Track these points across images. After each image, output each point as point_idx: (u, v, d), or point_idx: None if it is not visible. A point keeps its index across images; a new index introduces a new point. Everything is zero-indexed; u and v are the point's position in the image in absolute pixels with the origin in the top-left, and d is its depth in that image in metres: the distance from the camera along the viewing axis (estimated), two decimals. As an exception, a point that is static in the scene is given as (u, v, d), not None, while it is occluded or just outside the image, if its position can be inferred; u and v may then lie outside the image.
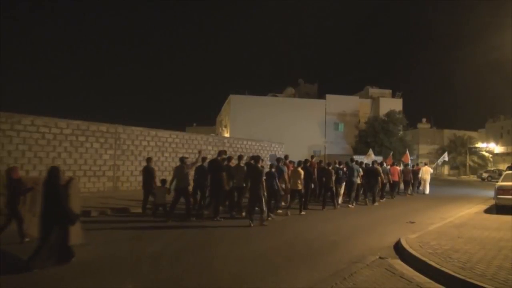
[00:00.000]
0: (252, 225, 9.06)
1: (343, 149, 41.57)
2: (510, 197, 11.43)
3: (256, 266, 5.82)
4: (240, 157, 11.09)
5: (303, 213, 11.34)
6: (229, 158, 10.97)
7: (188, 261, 6.09)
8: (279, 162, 11.36)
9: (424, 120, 65.86)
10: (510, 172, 13.87)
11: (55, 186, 5.79)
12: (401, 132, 41.85)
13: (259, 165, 9.83)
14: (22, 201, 7.03)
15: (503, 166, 41.79)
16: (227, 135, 40.04)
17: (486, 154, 55.31)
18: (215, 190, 10.15)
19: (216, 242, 7.53)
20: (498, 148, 57.47)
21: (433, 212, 12.51)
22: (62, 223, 5.68)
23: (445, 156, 26.33)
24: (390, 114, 40.93)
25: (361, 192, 14.95)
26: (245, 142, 23.06)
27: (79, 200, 6.55)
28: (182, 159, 10.64)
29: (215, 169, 10.18)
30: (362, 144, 40.33)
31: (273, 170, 10.45)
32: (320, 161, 14.29)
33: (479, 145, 56.84)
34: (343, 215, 11.62)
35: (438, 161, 26.88)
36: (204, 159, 11.16)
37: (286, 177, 11.32)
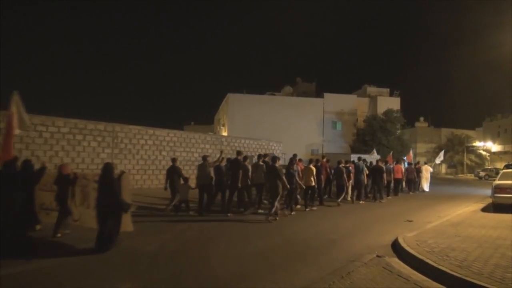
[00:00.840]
0: (269, 220, 9.65)
1: (341, 147, 41.63)
2: (507, 195, 11.47)
3: (254, 264, 5.82)
4: (238, 153, 11.49)
5: (314, 208, 12.00)
6: (245, 158, 11.61)
7: (185, 259, 6.09)
8: (275, 160, 11.44)
9: (422, 119, 66.04)
10: (507, 170, 13.92)
11: (110, 179, 6.60)
12: (399, 131, 41.97)
13: (277, 164, 10.35)
14: (71, 195, 7.58)
15: (500, 165, 41.93)
16: (225, 133, 40.04)
17: (484, 153, 55.47)
18: (232, 187, 10.94)
19: (213, 240, 7.53)
20: (495, 147, 57.67)
21: (430, 210, 12.55)
22: (116, 212, 6.47)
23: (441, 156, 26.54)
24: (388, 113, 41.02)
25: (368, 189, 15.72)
26: (243, 141, 23.07)
27: (130, 192, 7.24)
28: (204, 158, 11.49)
29: (235, 168, 10.93)
30: (360, 142, 40.44)
31: (293, 168, 11.02)
32: (328, 160, 15.01)
33: (477, 143, 57.00)
34: (341, 213, 11.64)
35: (436, 160, 26.97)
36: (202, 157, 11.79)
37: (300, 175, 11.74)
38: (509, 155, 51.08)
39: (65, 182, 7.47)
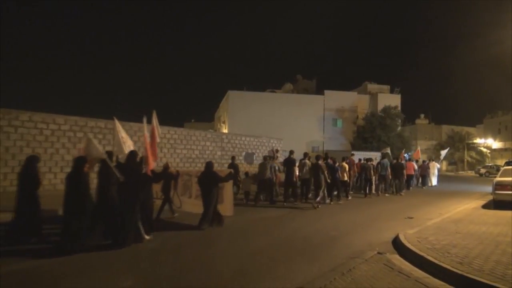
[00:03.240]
0: (315, 207, 11.69)
1: (341, 145, 41.61)
2: (507, 192, 11.47)
3: (255, 261, 5.83)
4: (291, 152, 13.52)
5: (340, 202, 13.34)
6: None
7: (187, 256, 6.11)
8: (319, 159, 12.84)
9: (422, 116, 66.02)
10: (507, 167, 13.92)
11: (213, 174, 8.54)
12: (399, 128, 41.93)
13: (320, 162, 12.26)
14: (173, 188, 9.61)
15: (501, 162, 41.98)
16: (225, 131, 40.02)
17: (484, 150, 55.48)
18: (287, 181, 12.79)
19: (215, 238, 7.54)
20: (496, 144, 57.71)
21: (431, 207, 12.55)
22: (216, 198, 8.40)
23: (443, 153, 26.74)
24: (386, 110, 40.99)
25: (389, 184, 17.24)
26: (243, 138, 23.06)
27: (230, 184, 9.20)
28: (265, 157, 13.41)
29: (290, 164, 12.91)
30: (360, 140, 40.40)
31: (336, 165, 13.38)
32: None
33: (477, 140, 57.02)
34: (342, 210, 11.66)
35: (441, 156, 27.28)
36: (264, 157, 13.75)
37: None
38: (510, 152, 51.12)
39: (169, 177, 9.19)
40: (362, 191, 15.82)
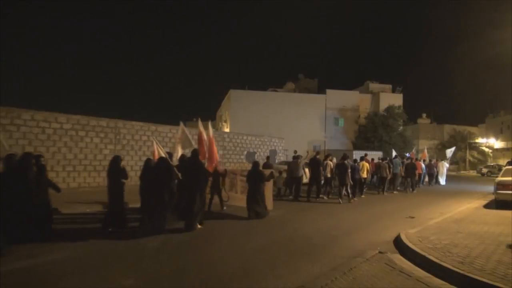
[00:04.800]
0: (341, 202, 12.94)
1: (343, 144, 41.53)
2: (509, 192, 11.44)
3: (256, 260, 5.84)
4: (317, 153, 14.81)
5: (355, 199, 13.98)
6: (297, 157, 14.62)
7: (188, 255, 6.12)
8: (345, 159, 13.84)
9: (424, 115, 65.82)
10: (509, 167, 13.87)
11: (259, 172, 10.00)
12: (401, 127, 41.82)
13: (346, 162, 13.38)
14: (222, 184, 10.97)
15: (502, 161, 41.81)
16: (227, 130, 40.03)
17: (486, 149, 55.32)
18: (313, 179, 13.92)
19: (216, 236, 7.56)
20: (498, 143, 57.47)
21: (432, 207, 12.54)
22: (261, 195, 9.78)
23: (449, 152, 26.99)
24: (389, 109, 40.88)
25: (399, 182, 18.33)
26: (245, 137, 23.07)
27: (271, 182, 10.63)
28: (295, 157, 14.33)
29: (316, 164, 13.95)
30: (362, 139, 40.32)
31: (356, 164, 14.40)
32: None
33: (479, 140, 56.83)
34: (343, 209, 11.66)
35: (448, 155, 27.27)
36: (295, 156, 14.57)
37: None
38: (512, 152, 50.91)
39: (217, 175, 10.58)
40: (379, 189, 16.91)
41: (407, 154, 23.73)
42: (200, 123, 11.32)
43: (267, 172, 10.53)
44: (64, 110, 18.56)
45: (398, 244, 6.88)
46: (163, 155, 8.26)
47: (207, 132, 11.15)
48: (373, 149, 34.56)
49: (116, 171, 8.17)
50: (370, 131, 39.97)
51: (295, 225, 8.95)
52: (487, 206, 12.41)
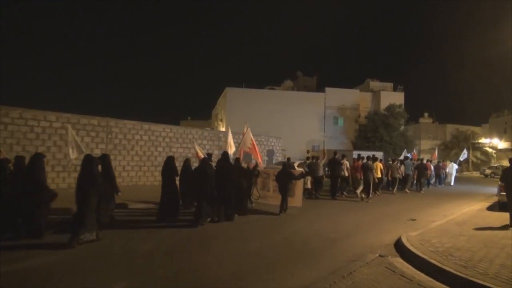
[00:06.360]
0: (364, 200, 13.92)
1: (342, 144, 41.57)
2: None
3: (253, 264, 5.83)
4: (335, 153, 15.97)
5: (377, 193, 15.72)
6: (315, 158, 16.07)
7: (182, 258, 6.11)
8: (369, 160, 15.17)
9: (426, 114, 66.00)
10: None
11: (289, 172, 10.90)
12: (402, 127, 41.91)
13: (370, 162, 14.59)
14: (254, 183, 12.04)
15: (506, 162, 41.93)
16: (222, 129, 39.99)
17: (490, 150, 55.50)
18: (333, 179, 15.06)
19: (211, 239, 7.54)
20: (501, 144, 57.73)
21: (434, 209, 12.58)
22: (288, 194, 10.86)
23: (464, 154, 27.98)
24: (390, 108, 40.94)
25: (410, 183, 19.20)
26: (241, 137, 23.00)
27: (301, 182, 11.61)
28: (316, 158, 15.63)
29: (334, 164, 15.12)
30: (362, 139, 40.36)
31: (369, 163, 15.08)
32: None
33: (483, 140, 57.04)
34: (343, 211, 11.67)
35: (461, 157, 28.01)
36: (315, 157, 15.81)
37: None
38: (516, 152, 51.14)
39: (250, 175, 11.41)
40: (390, 188, 17.93)
41: (409, 155, 23.99)
42: (246, 125, 13.79)
43: (298, 172, 11.61)
44: (54, 108, 18.45)
45: (399, 247, 6.89)
46: (203, 155, 10.47)
47: (247, 134, 13.41)
48: (374, 149, 34.58)
49: (170, 170, 9.70)
50: (371, 131, 40.03)
51: (292, 228, 8.94)
52: (490, 208, 12.46)
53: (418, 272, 5.46)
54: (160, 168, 17.63)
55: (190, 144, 19.70)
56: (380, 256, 6.31)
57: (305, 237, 7.93)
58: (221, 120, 44.43)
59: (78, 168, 7.66)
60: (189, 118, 67.00)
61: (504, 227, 8.62)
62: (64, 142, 14.77)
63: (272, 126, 35.72)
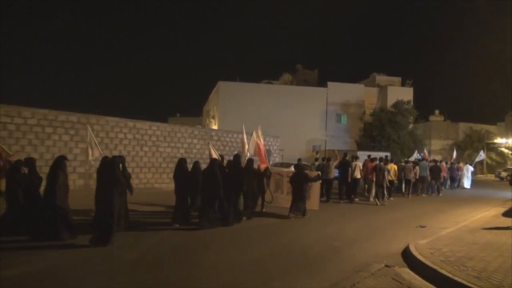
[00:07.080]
0: (378, 204, 14.66)
1: (345, 143, 41.67)
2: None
3: (248, 274, 5.86)
4: (345, 154, 17.04)
5: (391, 198, 16.48)
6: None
7: (171, 268, 6.11)
8: (382, 161, 16.20)
9: (437, 112, 66.22)
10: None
11: (304, 174, 11.35)
12: (411, 125, 42.03)
13: (382, 164, 15.51)
14: (267, 185, 12.47)
15: (524, 164, 42.24)
16: (215, 127, 39.96)
17: (506, 151, 55.81)
18: (343, 180, 15.68)
19: (203, 247, 7.54)
20: (518, 144, 58.01)
21: (445, 215, 12.67)
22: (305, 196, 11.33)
23: (480, 156, 29.44)
24: (397, 105, 41.02)
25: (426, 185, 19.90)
26: (235, 136, 23.02)
27: (318, 184, 12.49)
28: (328, 159, 16.14)
29: (345, 166, 15.73)
30: (367, 138, 40.43)
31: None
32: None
33: (498, 140, 57.33)
34: (347, 217, 11.74)
35: (477, 159, 28.60)
36: (327, 159, 16.34)
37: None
38: (534, 154, 51.50)
39: (261, 176, 11.79)
40: (404, 191, 18.46)
41: (419, 155, 24.19)
42: (258, 129, 14.85)
43: (314, 175, 12.15)
44: (29, 103, 18.37)
45: (407, 256, 6.94)
46: (216, 156, 11.02)
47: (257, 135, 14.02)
48: (380, 149, 34.71)
49: (183, 173, 10.07)
50: (377, 129, 40.10)
51: (292, 235, 8.98)
52: (506, 214, 12.55)
53: (428, 284, 5.51)
54: (146, 170, 17.70)
55: (179, 143, 19.70)
56: (386, 266, 6.36)
57: (305, 244, 7.96)
58: (213, 117, 44.38)
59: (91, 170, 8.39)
60: (178, 114, 66.77)
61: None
62: (40, 141, 14.72)
63: (269, 123, 35.62)
